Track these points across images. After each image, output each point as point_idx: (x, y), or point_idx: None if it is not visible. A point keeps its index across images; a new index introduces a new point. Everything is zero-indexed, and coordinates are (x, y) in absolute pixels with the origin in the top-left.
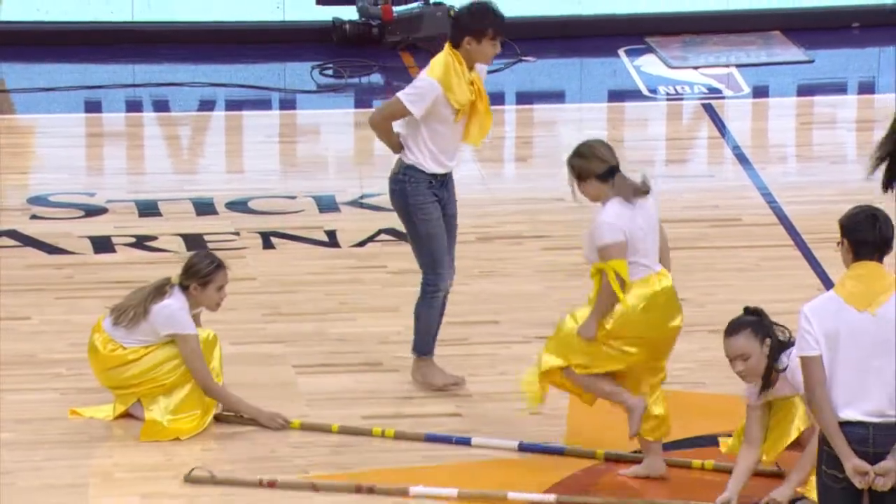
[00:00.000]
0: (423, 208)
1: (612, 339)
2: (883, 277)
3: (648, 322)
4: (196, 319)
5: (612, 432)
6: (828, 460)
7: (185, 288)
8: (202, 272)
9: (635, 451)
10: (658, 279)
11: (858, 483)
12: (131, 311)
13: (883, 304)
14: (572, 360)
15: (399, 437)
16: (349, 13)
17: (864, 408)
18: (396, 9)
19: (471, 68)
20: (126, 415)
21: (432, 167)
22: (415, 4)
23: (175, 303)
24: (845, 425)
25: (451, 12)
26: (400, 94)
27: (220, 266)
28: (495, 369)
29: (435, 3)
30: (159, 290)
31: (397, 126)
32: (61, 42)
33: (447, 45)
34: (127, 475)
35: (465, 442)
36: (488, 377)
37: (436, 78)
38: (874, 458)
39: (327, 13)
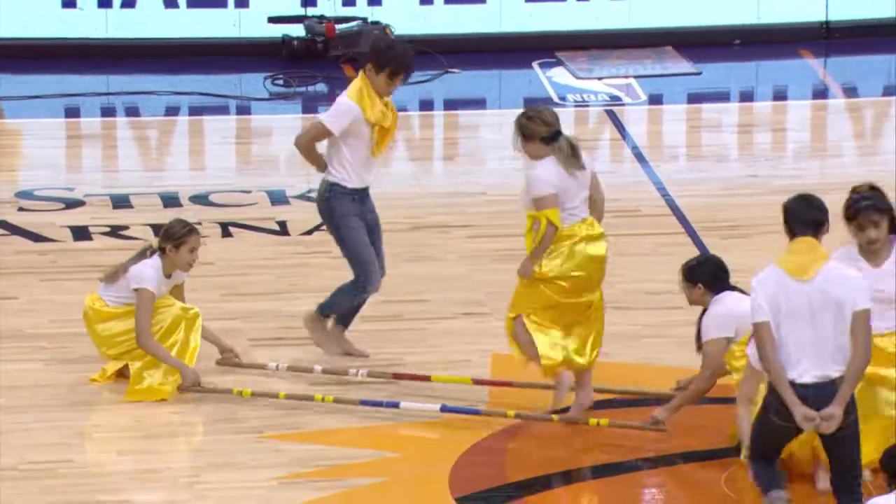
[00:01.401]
0: (348, 220)
1: (545, 279)
2: (816, 250)
3: (575, 261)
4: (179, 296)
5: (526, 397)
6: (777, 410)
7: (162, 251)
8: (176, 234)
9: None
10: (583, 226)
11: (808, 427)
12: (114, 270)
13: (817, 273)
14: (517, 306)
15: (337, 401)
16: (297, 30)
17: (804, 369)
18: (339, 27)
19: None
20: (116, 376)
21: (353, 182)
22: (354, 23)
23: (150, 262)
24: (792, 385)
25: (388, 30)
26: (320, 117)
27: (192, 230)
28: (425, 342)
29: (372, 23)
30: (141, 254)
31: (321, 148)
32: (45, 56)
33: (361, 72)
34: (104, 435)
35: (395, 405)
36: (419, 349)
37: (353, 100)
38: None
39: (278, 30)
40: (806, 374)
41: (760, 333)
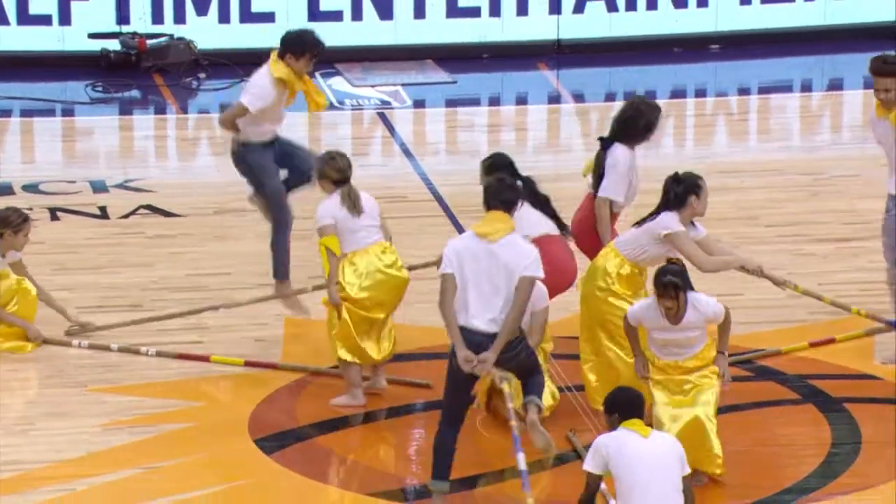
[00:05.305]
0: (264, 167)
1: (349, 302)
2: (504, 221)
3: (369, 284)
4: (21, 271)
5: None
6: (452, 351)
7: (0, 235)
8: (15, 223)
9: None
10: (373, 249)
11: (466, 368)
12: None
13: (500, 239)
14: (331, 332)
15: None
16: (114, 45)
17: (480, 319)
18: (149, 42)
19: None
20: None
21: (260, 138)
22: (163, 38)
23: None
24: (466, 330)
25: (191, 45)
26: (242, 100)
27: (27, 218)
28: (229, 308)
29: (178, 38)
30: None
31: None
32: None
33: (273, 54)
34: None
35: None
36: (223, 313)
37: (274, 77)
38: None
39: (97, 45)
40: (477, 321)
41: (444, 283)
